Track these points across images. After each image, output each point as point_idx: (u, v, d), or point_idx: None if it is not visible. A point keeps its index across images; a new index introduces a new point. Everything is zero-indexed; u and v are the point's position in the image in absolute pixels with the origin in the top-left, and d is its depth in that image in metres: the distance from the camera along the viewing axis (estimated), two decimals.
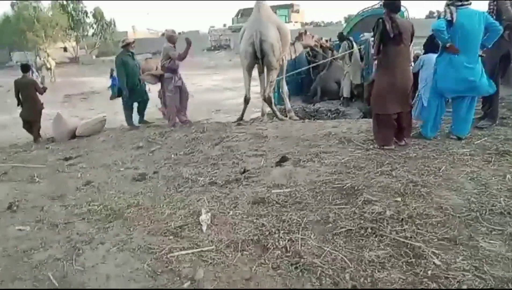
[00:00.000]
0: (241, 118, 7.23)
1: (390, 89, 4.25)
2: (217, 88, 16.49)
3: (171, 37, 6.96)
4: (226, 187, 3.90)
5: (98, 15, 43.91)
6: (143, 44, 29.77)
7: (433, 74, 4.49)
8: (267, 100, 7.00)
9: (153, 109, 8.58)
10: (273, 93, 7.80)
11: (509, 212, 2.80)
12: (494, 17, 4.42)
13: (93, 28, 44.70)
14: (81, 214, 3.57)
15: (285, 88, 7.96)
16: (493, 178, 3.36)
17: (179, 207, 3.51)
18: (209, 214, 3.22)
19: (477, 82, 4.23)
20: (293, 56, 8.97)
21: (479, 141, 4.26)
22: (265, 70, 6.87)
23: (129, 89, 7.15)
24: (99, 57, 39.03)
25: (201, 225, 3.10)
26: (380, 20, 4.17)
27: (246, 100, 7.11)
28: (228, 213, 3.32)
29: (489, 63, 4.47)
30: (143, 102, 7.64)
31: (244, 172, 4.21)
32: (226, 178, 4.10)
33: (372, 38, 7.36)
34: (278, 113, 7.29)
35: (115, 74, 16.00)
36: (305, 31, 9.69)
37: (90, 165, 5.07)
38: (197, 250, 2.73)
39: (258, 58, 6.52)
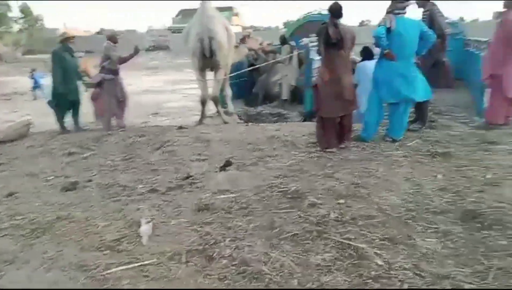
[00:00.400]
0: (201, 121, 7.01)
1: (334, 92, 4.36)
2: (155, 90, 15.95)
3: (112, 36, 6.59)
4: (168, 194, 3.72)
5: (25, 11, 40.68)
6: (75, 42, 27.93)
7: (372, 80, 4.67)
8: (214, 100, 6.88)
9: (85, 111, 8.02)
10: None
11: (442, 210, 2.97)
12: (427, 25, 4.73)
13: (18, 23, 41.32)
14: (2, 229, 3.20)
15: (228, 91, 7.92)
16: (426, 178, 3.56)
17: (115, 218, 3.27)
18: (150, 224, 3.03)
19: (413, 88, 4.48)
20: (237, 59, 8.91)
21: (411, 143, 4.51)
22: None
23: (64, 88, 6.52)
24: (25, 55, 36.06)
25: (141, 236, 2.91)
26: (324, 25, 4.27)
27: (204, 102, 6.90)
28: (170, 222, 3.16)
29: (422, 70, 4.76)
30: (77, 103, 7.02)
31: (187, 177, 4.05)
32: (167, 185, 3.92)
33: (312, 44, 7.59)
34: (223, 114, 7.23)
35: (36, 73, 14.84)
36: (249, 34, 9.69)
37: (14, 174, 4.59)
38: (137, 264, 2.55)
39: (207, 56, 6.37)
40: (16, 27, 41.25)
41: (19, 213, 3.50)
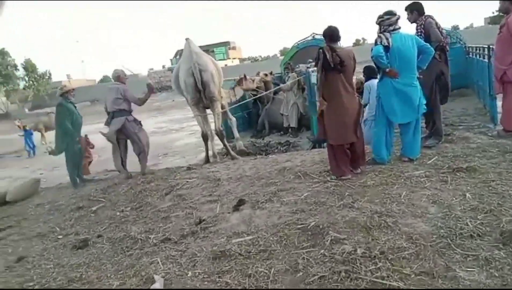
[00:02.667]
0: (207, 159, 6.92)
1: (340, 118, 4.19)
2: (162, 131, 16.02)
3: (120, 77, 6.40)
4: (182, 243, 3.53)
5: (30, 67, 42.01)
6: (79, 92, 28.61)
7: (376, 99, 4.54)
8: (219, 134, 6.85)
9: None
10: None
11: (479, 234, 2.73)
12: (423, 39, 4.62)
13: (24, 80, 42.62)
14: None
15: (233, 118, 7.95)
16: (454, 198, 3.33)
17: (129, 275, 3.08)
18: (162, 280, 2.83)
19: (417, 103, 4.33)
20: (233, 100, 8.97)
21: (431, 161, 4.30)
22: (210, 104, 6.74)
23: (70, 140, 6.45)
24: (32, 110, 36.92)
25: None
26: (321, 50, 4.16)
27: (205, 137, 6.88)
28: (187, 274, 2.96)
29: (426, 84, 4.61)
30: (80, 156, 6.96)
31: (199, 222, 3.87)
32: (180, 232, 3.73)
33: (311, 69, 7.54)
34: (230, 149, 7.13)
35: (29, 128, 15.02)
36: (245, 76, 9.72)
37: (23, 237, 4.44)
38: None
39: (200, 90, 6.42)
40: (22, 84, 42.54)
41: (30, 280, 3.35)
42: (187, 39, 6.66)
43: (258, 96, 10.05)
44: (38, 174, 8.97)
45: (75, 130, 6.52)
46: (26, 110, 38.58)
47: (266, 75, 10.58)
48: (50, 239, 4.23)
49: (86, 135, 8.40)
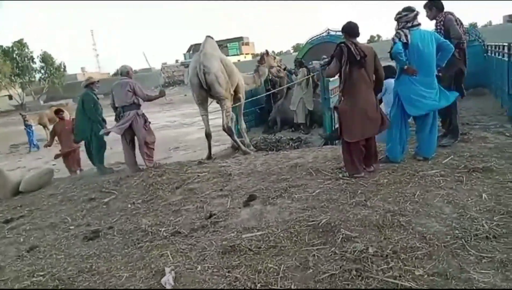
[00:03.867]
0: (209, 156, 7.08)
1: (357, 114, 4.12)
2: (174, 125, 16.11)
3: (129, 73, 6.43)
4: (192, 236, 3.53)
5: (48, 58, 42.58)
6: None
7: (393, 98, 4.45)
8: (227, 131, 6.97)
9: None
10: (235, 126, 7.82)
11: (495, 235, 2.66)
12: (442, 36, 4.51)
13: (40, 73, 43.27)
14: (23, 288, 3.05)
15: (243, 125, 7.93)
16: (470, 199, 3.25)
17: (139, 268, 3.09)
18: (173, 273, 2.83)
19: (437, 99, 4.24)
20: (259, 82, 8.92)
21: (446, 160, 4.21)
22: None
23: (96, 129, 6.59)
24: (47, 102, 37.47)
25: (165, 287, 2.70)
26: (343, 44, 4.08)
27: (208, 135, 7.10)
28: (196, 268, 2.95)
29: (444, 81, 4.51)
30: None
31: (210, 217, 3.86)
32: (190, 226, 3.73)
33: (322, 66, 7.43)
34: (241, 144, 7.18)
35: (32, 122, 15.17)
36: (267, 52, 9.61)
37: (35, 226, 4.48)
38: None
39: (205, 89, 6.62)
40: (37, 76, 43.17)
41: (41, 269, 3.37)
42: (207, 36, 6.94)
43: (272, 91, 9.97)
44: (51, 165, 9.08)
45: (100, 117, 6.71)
46: (41, 101, 39.20)
47: (279, 71, 10.47)
48: (62, 229, 4.27)
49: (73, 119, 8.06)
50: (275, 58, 9.41)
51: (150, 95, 6.40)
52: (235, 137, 7.21)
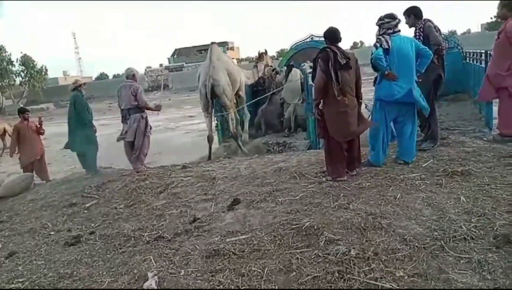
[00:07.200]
0: (209, 158, 7.74)
1: (344, 117, 4.14)
2: (158, 129, 15.94)
3: (134, 76, 6.35)
4: (175, 241, 3.50)
5: (29, 62, 41.69)
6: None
7: (374, 103, 4.53)
8: (234, 136, 8.16)
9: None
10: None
11: (472, 237, 2.73)
12: (421, 42, 4.62)
13: (20, 76, 42.34)
14: None
15: (247, 113, 9.28)
16: (448, 201, 3.33)
17: (121, 273, 3.06)
18: (156, 278, 2.81)
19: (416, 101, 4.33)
20: (256, 76, 9.79)
21: (426, 164, 4.30)
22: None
23: (87, 131, 6.83)
24: (27, 106, 36.65)
25: None
26: (327, 49, 4.13)
27: (209, 139, 7.98)
28: (180, 272, 2.93)
29: (423, 87, 4.61)
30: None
31: (194, 221, 3.85)
32: (174, 231, 3.70)
33: (310, 70, 7.52)
34: (243, 148, 8.08)
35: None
36: (266, 51, 10.16)
37: (14, 232, 4.39)
38: None
39: (212, 98, 7.76)
40: (18, 80, 42.19)
41: (20, 275, 3.31)
42: (212, 43, 8.06)
43: (261, 96, 10.07)
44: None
45: (90, 120, 6.92)
46: (21, 105, 38.26)
47: (273, 70, 10.59)
48: (42, 235, 4.18)
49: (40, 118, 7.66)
50: (271, 58, 10.02)
51: (148, 104, 6.36)
52: (239, 141, 8.21)
